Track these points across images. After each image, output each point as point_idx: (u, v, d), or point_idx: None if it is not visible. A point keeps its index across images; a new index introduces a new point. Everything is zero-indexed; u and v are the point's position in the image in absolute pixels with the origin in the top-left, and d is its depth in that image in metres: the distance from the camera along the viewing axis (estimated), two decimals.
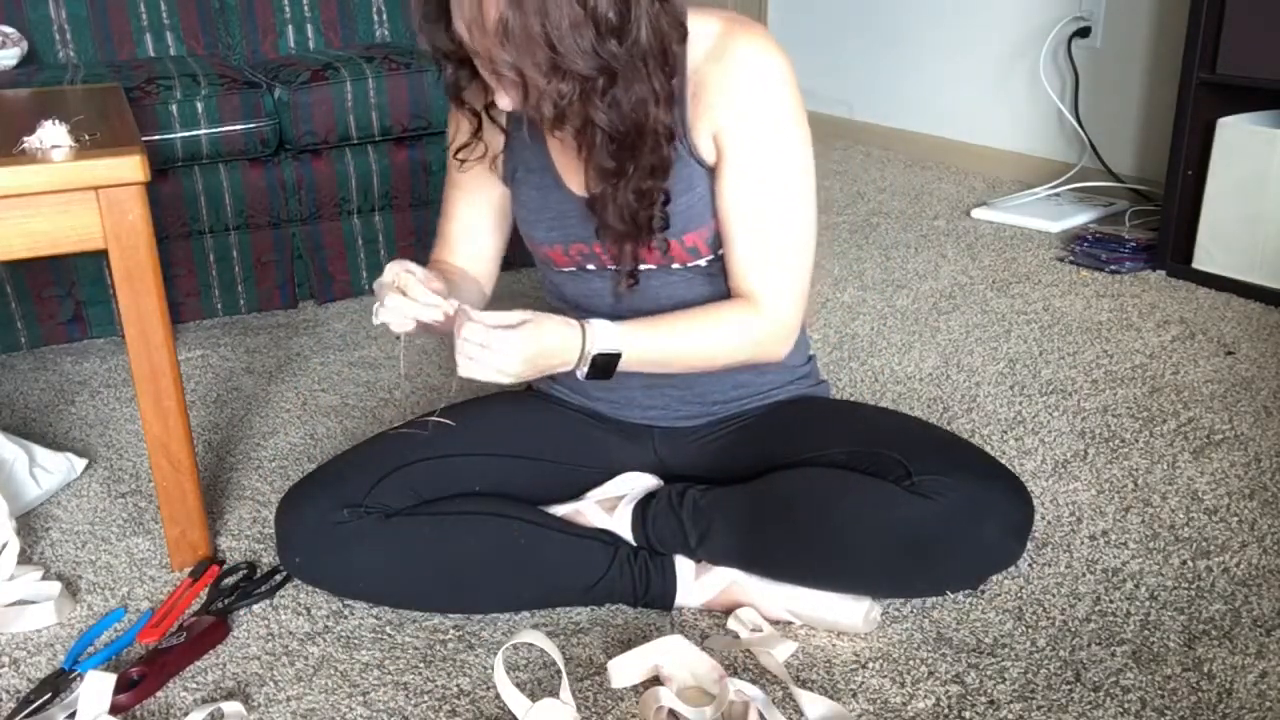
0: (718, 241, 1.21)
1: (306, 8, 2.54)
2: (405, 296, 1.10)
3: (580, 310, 1.28)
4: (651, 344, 1.16)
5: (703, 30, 1.14)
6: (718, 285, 1.23)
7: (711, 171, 1.18)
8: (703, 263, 1.22)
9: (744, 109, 1.14)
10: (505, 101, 1.08)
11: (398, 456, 1.25)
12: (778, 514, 1.18)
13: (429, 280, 1.12)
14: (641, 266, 1.22)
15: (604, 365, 1.14)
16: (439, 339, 1.14)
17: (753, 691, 1.09)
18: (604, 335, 1.13)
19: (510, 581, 1.23)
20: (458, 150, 1.24)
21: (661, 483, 1.32)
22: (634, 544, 1.26)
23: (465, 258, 1.33)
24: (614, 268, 1.23)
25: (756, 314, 1.19)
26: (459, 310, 1.09)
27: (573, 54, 1.00)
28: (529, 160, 1.24)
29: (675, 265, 1.22)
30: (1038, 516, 1.41)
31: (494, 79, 1.07)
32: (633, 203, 1.13)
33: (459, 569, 1.21)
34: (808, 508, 1.16)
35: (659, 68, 1.08)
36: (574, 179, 1.21)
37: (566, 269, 1.27)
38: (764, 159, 1.15)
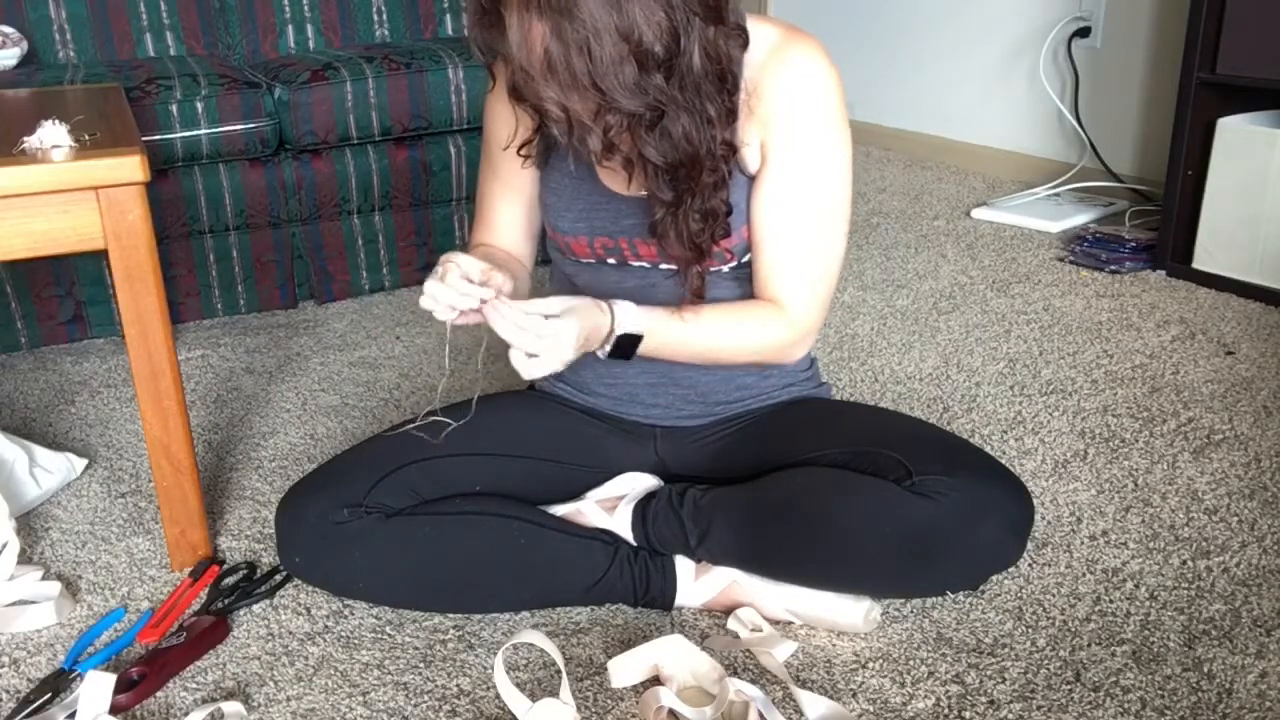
0: (744, 249, 1.21)
1: (306, 8, 2.54)
2: (444, 284, 1.09)
3: None
4: (673, 332, 1.16)
5: (760, 38, 1.13)
6: (741, 289, 1.24)
7: (751, 179, 1.18)
8: (725, 268, 1.22)
9: (795, 118, 1.14)
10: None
11: (398, 456, 1.24)
12: (778, 514, 1.18)
13: (477, 267, 1.11)
14: (662, 265, 1.23)
15: (625, 346, 1.14)
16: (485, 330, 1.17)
17: (753, 691, 1.09)
18: (628, 317, 1.14)
19: (510, 581, 1.23)
20: (521, 148, 1.23)
21: (661, 483, 1.32)
22: (634, 544, 1.26)
23: (505, 239, 1.33)
24: (637, 263, 1.24)
25: (781, 318, 1.20)
26: (493, 302, 1.08)
27: (615, 91, 0.99)
28: (564, 149, 1.23)
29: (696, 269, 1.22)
30: (1038, 516, 1.41)
31: (538, 113, 1.05)
32: (697, 225, 1.13)
33: (459, 569, 1.21)
34: (808, 507, 1.16)
35: (717, 90, 1.07)
36: (610, 175, 1.21)
37: (585, 260, 1.27)
38: (809, 168, 1.16)
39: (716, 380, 1.29)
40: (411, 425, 1.26)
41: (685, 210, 1.12)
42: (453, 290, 1.08)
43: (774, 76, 1.13)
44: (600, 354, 1.15)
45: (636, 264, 1.24)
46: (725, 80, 1.08)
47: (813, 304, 1.20)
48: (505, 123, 1.26)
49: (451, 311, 1.10)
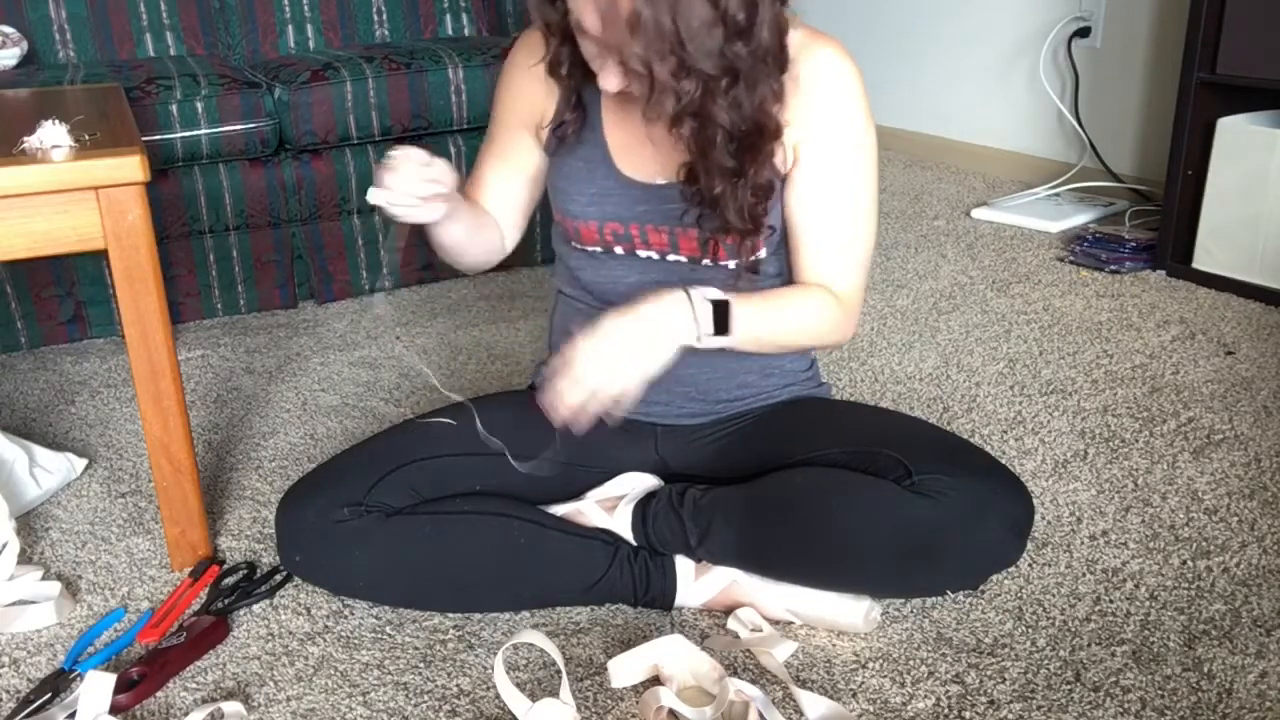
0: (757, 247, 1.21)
1: (306, 8, 2.54)
2: (401, 174, 1.07)
3: (594, 296, 1.29)
4: (749, 306, 1.18)
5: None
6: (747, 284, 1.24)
7: (781, 181, 1.19)
8: (731, 264, 1.22)
9: (829, 114, 1.17)
10: (613, 82, 1.07)
11: (398, 456, 1.25)
12: (778, 514, 1.18)
13: (423, 153, 1.09)
14: (670, 257, 1.23)
15: (720, 316, 1.15)
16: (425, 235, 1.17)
17: (753, 691, 1.09)
18: (707, 290, 1.15)
19: (510, 581, 1.23)
20: (555, 128, 1.24)
21: (661, 483, 1.32)
22: (634, 544, 1.26)
23: (494, 206, 1.32)
24: (644, 253, 1.24)
25: (832, 296, 1.23)
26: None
27: (700, 53, 1.01)
28: (579, 132, 1.25)
29: (706, 262, 1.22)
30: (1038, 516, 1.41)
31: (616, 68, 1.06)
32: (752, 199, 1.14)
33: (459, 568, 1.21)
34: (808, 507, 1.16)
35: (776, 66, 1.09)
36: (625, 159, 1.22)
37: (591, 248, 1.27)
38: (844, 162, 1.19)
39: (718, 378, 1.29)
40: (444, 415, 1.26)
41: (745, 182, 1.13)
42: (411, 178, 1.07)
43: (805, 75, 1.15)
44: (699, 339, 1.15)
45: (644, 254, 1.24)
46: (781, 59, 1.09)
47: (857, 289, 1.24)
48: (525, 98, 1.26)
49: (413, 203, 1.08)
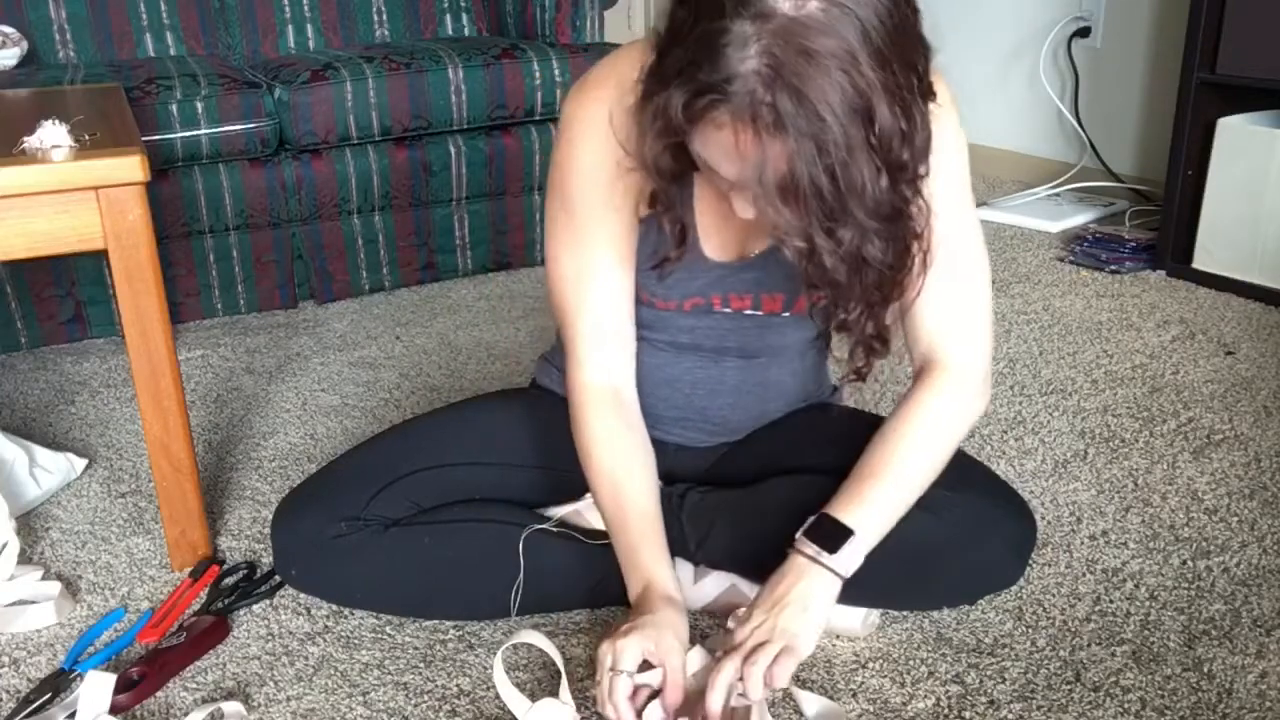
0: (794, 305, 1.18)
1: (306, 8, 2.54)
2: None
3: (641, 326, 1.19)
4: (877, 519, 1.09)
5: None
6: (800, 332, 1.21)
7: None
8: (787, 313, 1.19)
9: (946, 159, 1.05)
10: (750, 211, 0.95)
11: (395, 467, 1.23)
12: (779, 520, 1.16)
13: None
14: (747, 312, 1.18)
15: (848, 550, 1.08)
16: None
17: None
18: (852, 556, 1.07)
19: (509, 588, 1.22)
20: (661, 263, 1.11)
21: (660, 482, 1.31)
22: None
23: (629, 327, 1.16)
24: (721, 310, 1.18)
25: (953, 386, 1.14)
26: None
27: (862, 210, 0.88)
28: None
29: (787, 314, 1.18)
30: (1037, 516, 1.41)
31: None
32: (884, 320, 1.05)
33: (459, 578, 1.20)
34: (809, 515, 1.15)
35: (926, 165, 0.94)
36: (712, 242, 1.14)
37: (663, 310, 1.20)
38: (961, 209, 1.12)
39: (740, 415, 1.26)
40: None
41: (882, 309, 1.03)
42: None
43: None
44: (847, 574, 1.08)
45: (720, 310, 1.19)
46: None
47: (983, 354, 1.16)
48: (626, 173, 1.06)
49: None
